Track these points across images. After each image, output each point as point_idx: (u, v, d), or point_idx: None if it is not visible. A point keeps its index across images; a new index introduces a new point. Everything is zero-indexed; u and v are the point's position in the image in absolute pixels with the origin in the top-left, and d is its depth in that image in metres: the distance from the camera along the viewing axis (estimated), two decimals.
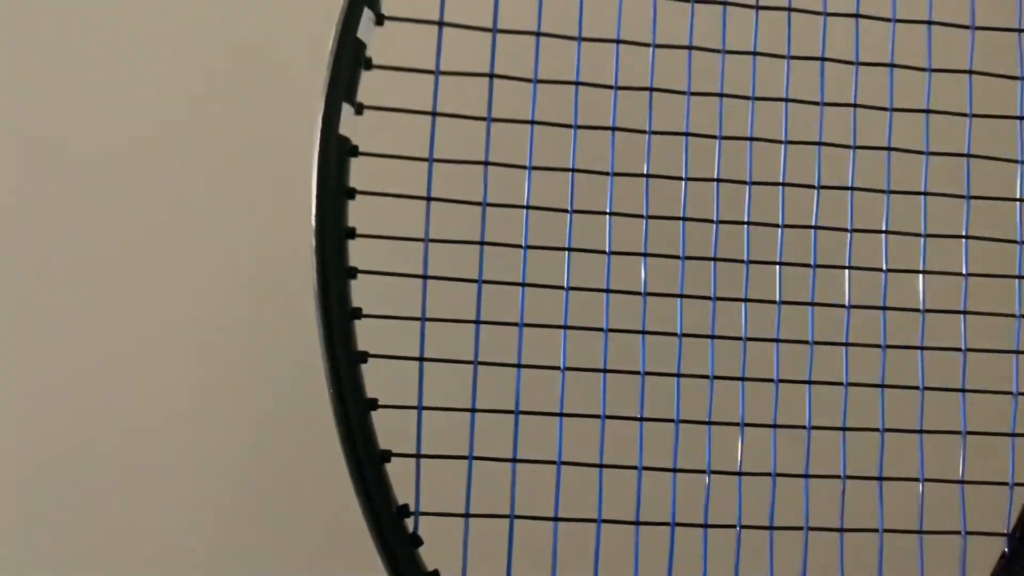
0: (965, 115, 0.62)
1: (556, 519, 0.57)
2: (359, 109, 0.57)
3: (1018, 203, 0.62)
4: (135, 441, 0.83)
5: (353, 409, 0.55)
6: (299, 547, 0.82)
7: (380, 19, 0.57)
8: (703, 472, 0.59)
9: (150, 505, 0.83)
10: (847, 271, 0.61)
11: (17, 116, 0.83)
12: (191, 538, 0.83)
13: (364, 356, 0.56)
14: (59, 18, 0.84)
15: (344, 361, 0.55)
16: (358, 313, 0.56)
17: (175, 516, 0.83)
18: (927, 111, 0.61)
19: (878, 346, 0.60)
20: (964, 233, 0.62)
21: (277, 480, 0.82)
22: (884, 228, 0.61)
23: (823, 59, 0.61)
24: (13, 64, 0.83)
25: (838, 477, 0.60)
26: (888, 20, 0.62)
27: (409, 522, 0.56)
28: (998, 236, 0.62)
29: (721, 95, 0.60)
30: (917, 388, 0.60)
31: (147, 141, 0.83)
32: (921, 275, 0.61)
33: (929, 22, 0.62)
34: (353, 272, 0.56)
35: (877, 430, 0.60)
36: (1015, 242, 0.62)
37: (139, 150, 0.83)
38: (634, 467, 0.58)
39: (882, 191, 0.61)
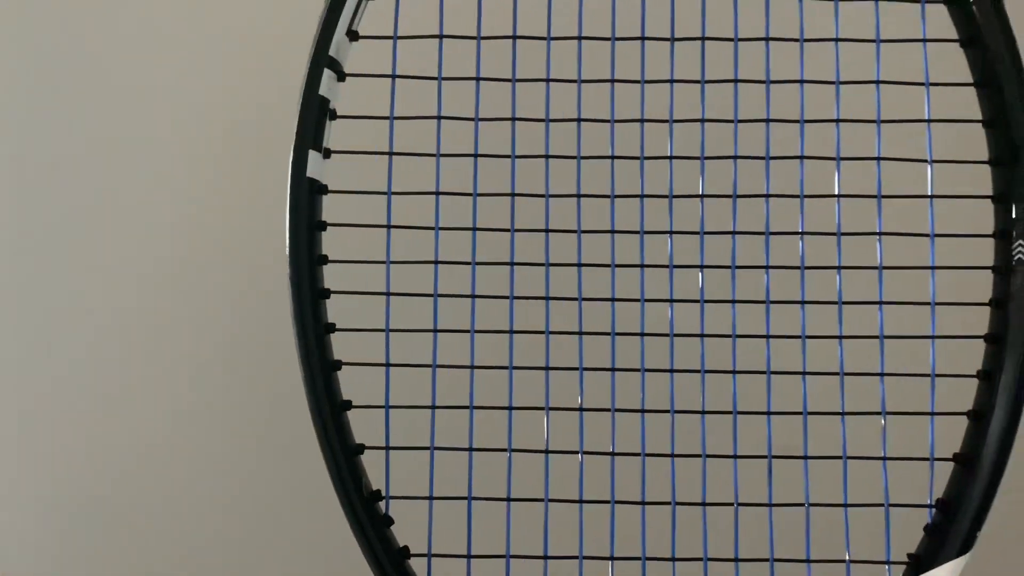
0: (873, 121, 0.67)
1: (508, 499, 0.66)
2: (326, 154, 0.67)
3: (929, 199, 0.67)
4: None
5: (328, 410, 0.65)
6: (283, 531, 0.93)
7: (341, 76, 0.67)
8: (638, 455, 0.66)
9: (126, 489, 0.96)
10: (766, 271, 0.67)
11: None
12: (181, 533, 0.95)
13: (338, 364, 0.66)
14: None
15: (319, 369, 0.65)
16: (331, 328, 0.66)
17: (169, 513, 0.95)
18: (837, 120, 0.67)
19: (798, 337, 0.66)
20: (878, 230, 0.67)
21: (264, 473, 0.94)
22: (800, 230, 0.67)
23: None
24: None
25: (765, 457, 0.66)
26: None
27: (381, 505, 0.65)
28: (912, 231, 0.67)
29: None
30: (838, 374, 0.66)
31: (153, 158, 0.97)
32: (838, 271, 0.67)
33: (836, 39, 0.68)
34: (326, 293, 0.66)
35: (800, 413, 0.66)
36: (926, 235, 0.67)
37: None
38: (575, 451, 0.66)
39: (796, 196, 0.67)
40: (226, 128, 0.99)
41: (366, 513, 0.65)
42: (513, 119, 0.68)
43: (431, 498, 0.65)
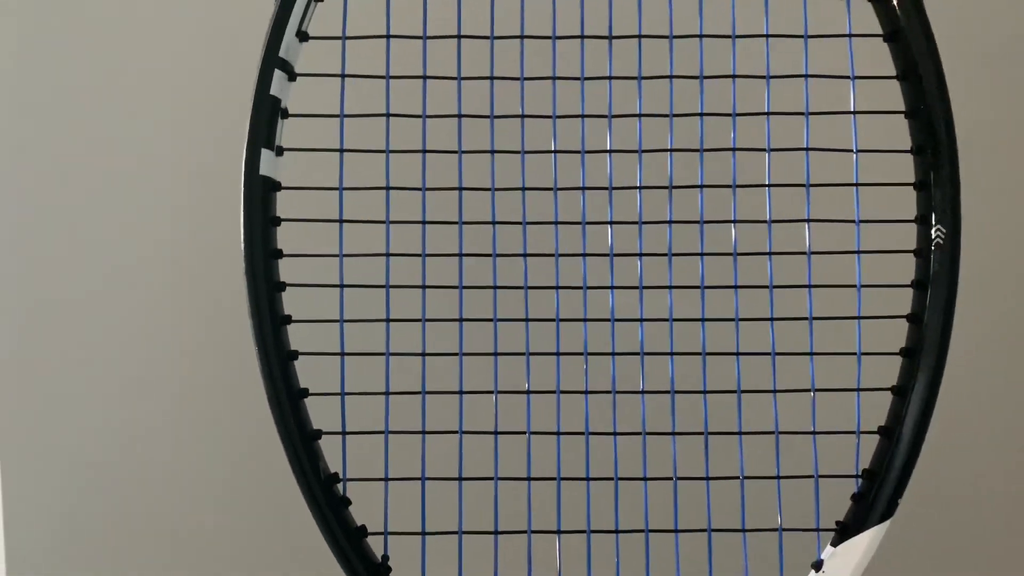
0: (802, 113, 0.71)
1: (460, 479, 0.69)
2: (279, 152, 0.69)
3: (855, 187, 0.70)
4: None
5: (286, 398, 0.68)
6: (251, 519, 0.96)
7: (292, 76, 0.70)
8: (581, 434, 0.69)
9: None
10: (700, 258, 0.70)
11: None
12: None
13: (295, 354, 0.69)
14: None
15: (276, 359, 0.68)
16: (287, 319, 0.69)
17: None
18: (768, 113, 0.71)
19: (731, 320, 0.70)
20: (807, 216, 0.70)
21: (227, 459, 0.97)
22: (733, 218, 0.70)
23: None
24: None
25: (701, 433, 0.70)
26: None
27: (339, 487, 0.69)
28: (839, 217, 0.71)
29: (610, 77, 0.71)
30: (769, 353, 0.70)
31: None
32: (768, 256, 0.70)
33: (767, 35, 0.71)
34: (282, 286, 0.69)
35: (735, 392, 0.70)
36: (852, 221, 0.70)
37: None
38: (523, 432, 0.69)
39: (728, 185, 0.71)
40: (180, 128, 1.01)
41: (324, 495, 0.68)
42: (459, 116, 0.71)
43: (386, 479, 0.69)
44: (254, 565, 1.00)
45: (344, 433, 0.69)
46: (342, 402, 0.69)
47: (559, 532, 0.69)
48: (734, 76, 0.71)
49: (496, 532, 0.69)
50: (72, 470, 1.04)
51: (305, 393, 0.68)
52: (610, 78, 0.70)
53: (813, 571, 0.68)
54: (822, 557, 0.68)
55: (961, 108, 0.69)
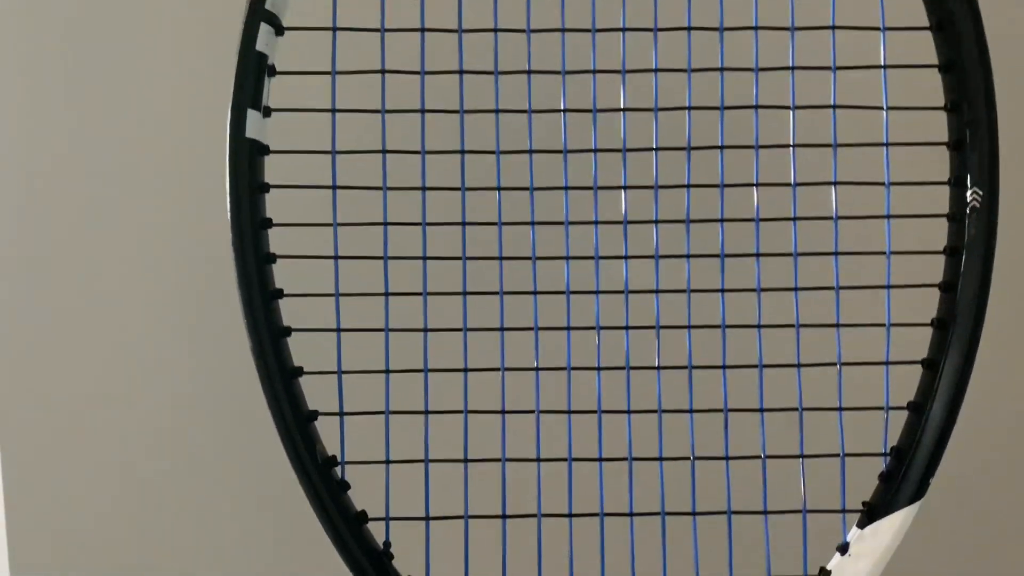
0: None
1: (465, 461, 0.65)
2: (267, 112, 0.64)
3: (884, 147, 0.66)
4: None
5: (278, 376, 0.63)
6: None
7: (280, 31, 0.64)
8: (593, 412, 0.66)
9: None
10: (720, 224, 0.66)
11: None
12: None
13: (287, 330, 0.64)
14: None
15: (267, 336, 0.63)
16: (279, 293, 0.64)
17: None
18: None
19: (753, 290, 0.66)
20: (833, 179, 0.66)
21: (221, 444, 0.93)
22: (755, 180, 0.66)
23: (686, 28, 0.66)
24: None
25: (721, 411, 0.66)
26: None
27: (337, 471, 0.65)
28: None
29: (595, 72, 0.66)
30: (792, 325, 0.66)
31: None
32: (793, 222, 0.66)
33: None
34: (272, 257, 0.64)
35: (756, 366, 0.66)
36: (881, 184, 0.66)
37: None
38: (531, 411, 0.65)
39: (750, 146, 0.66)
40: (159, 87, 0.93)
41: (321, 479, 0.64)
42: (460, 72, 0.66)
43: (387, 462, 0.65)
44: (250, 554, 0.96)
45: (342, 414, 0.65)
46: (339, 381, 0.65)
47: (570, 516, 0.65)
48: (756, 28, 0.66)
49: (504, 516, 0.65)
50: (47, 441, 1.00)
51: (300, 372, 0.64)
52: (624, 29, 0.65)
53: (838, 554, 0.65)
54: (848, 539, 0.65)
55: (1000, 61, 0.64)
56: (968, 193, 0.64)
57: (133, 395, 0.95)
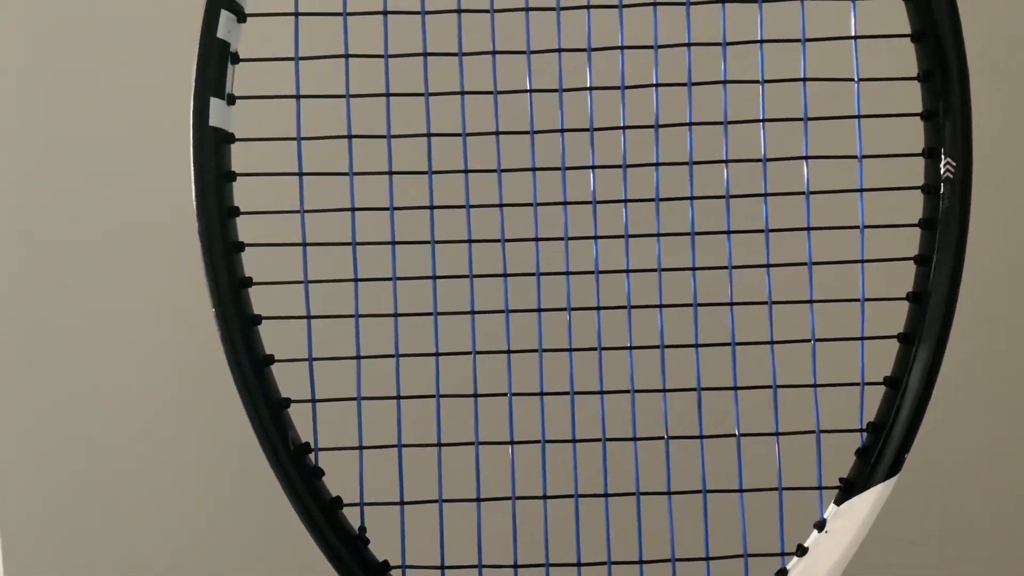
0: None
1: (439, 445, 0.65)
2: (231, 100, 0.64)
3: (856, 119, 0.65)
4: None
5: (249, 365, 0.64)
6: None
7: (242, 17, 0.64)
8: (567, 394, 0.65)
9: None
10: (690, 202, 0.65)
11: None
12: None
13: (258, 318, 0.64)
14: None
15: (237, 324, 0.63)
16: (248, 281, 0.64)
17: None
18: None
19: (724, 268, 0.65)
20: (804, 153, 0.65)
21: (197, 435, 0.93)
22: (725, 157, 0.65)
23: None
24: None
25: (694, 390, 0.65)
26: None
27: (311, 458, 0.65)
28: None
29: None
30: (765, 303, 0.65)
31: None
32: (764, 198, 0.65)
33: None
34: (240, 246, 0.64)
35: (729, 344, 0.65)
36: (854, 157, 0.65)
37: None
38: (504, 394, 0.65)
39: (719, 123, 0.65)
40: (119, 76, 0.93)
41: (294, 466, 0.64)
42: (425, 54, 0.65)
43: (360, 448, 0.65)
44: (225, 542, 0.96)
45: (314, 401, 0.65)
46: (310, 368, 0.65)
47: (545, 498, 0.65)
48: (723, 0, 0.64)
49: (479, 500, 0.65)
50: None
51: (271, 360, 0.64)
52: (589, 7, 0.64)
53: (816, 531, 0.64)
54: (825, 516, 0.64)
55: (972, 30, 0.63)
56: (941, 164, 0.63)
57: (101, 386, 0.95)
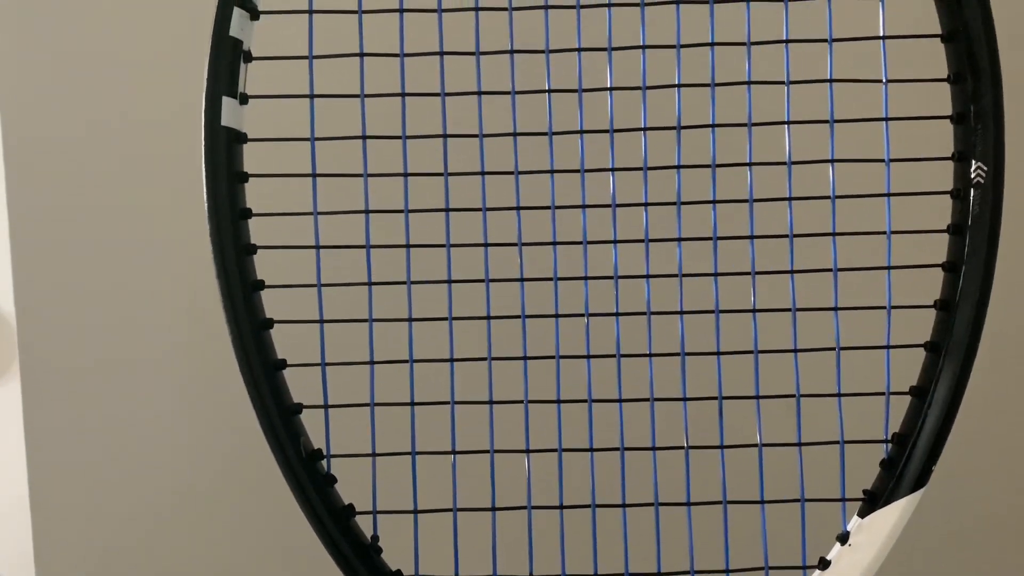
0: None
1: (454, 452, 0.64)
2: (243, 100, 0.63)
3: (884, 123, 0.63)
4: None
5: (260, 370, 0.62)
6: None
7: (255, 14, 0.63)
8: (584, 401, 0.64)
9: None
10: (712, 205, 0.64)
11: None
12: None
13: (270, 322, 0.63)
14: None
15: (248, 329, 0.62)
16: (260, 285, 0.63)
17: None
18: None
19: (747, 273, 0.64)
20: (830, 157, 0.63)
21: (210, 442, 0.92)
22: (749, 160, 0.63)
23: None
24: None
25: (716, 398, 0.64)
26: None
27: (323, 464, 0.64)
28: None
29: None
30: (789, 310, 0.64)
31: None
32: (788, 202, 0.64)
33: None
34: (252, 248, 0.63)
35: (751, 352, 0.64)
36: (881, 160, 0.63)
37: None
38: (520, 401, 0.64)
39: (743, 124, 0.63)
40: (131, 76, 0.91)
41: (306, 473, 0.63)
42: (441, 53, 0.63)
43: (373, 455, 0.64)
44: (237, 550, 0.95)
45: (326, 407, 0.63)
46: (323, 373, 0.63)
47: (561, 507, 0.64)
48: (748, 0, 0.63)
49: (494, 509, 0.64)
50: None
51: (283, 365, 0.63)
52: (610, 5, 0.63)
53: (839, 544, 0.63)
54: (848, 529, 0.63)
55: (1006, 31, 0.61)
56: (972, 169, 0.61)
57: (110, 392, 0.94)
